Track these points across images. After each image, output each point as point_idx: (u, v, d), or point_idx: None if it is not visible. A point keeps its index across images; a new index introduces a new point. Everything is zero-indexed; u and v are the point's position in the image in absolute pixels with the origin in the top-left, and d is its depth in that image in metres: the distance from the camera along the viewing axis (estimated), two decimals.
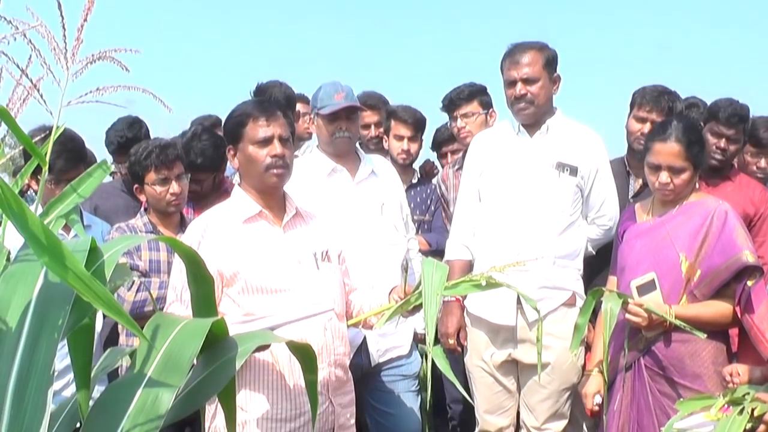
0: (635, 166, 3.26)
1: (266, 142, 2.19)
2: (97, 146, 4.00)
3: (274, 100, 3.50)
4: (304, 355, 1.35)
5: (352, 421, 2.35)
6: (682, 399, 2.43)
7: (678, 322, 2.45)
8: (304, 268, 2.21)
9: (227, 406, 1.34)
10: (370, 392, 2.99)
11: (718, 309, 2.52)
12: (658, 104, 3.26)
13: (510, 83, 2.93)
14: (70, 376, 2.64)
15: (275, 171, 2.19)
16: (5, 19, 1.18)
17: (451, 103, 3.65)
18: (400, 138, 3.92)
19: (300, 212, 2.30)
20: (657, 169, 2.58)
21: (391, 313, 2.08)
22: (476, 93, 3.64)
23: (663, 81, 3.38)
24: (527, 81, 2.89)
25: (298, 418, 2.13)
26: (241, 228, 2.19)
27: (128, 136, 3.61)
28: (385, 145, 3.99)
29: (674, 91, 3.35)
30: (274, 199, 2.26)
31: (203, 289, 1.28)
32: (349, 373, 2.35)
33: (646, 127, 3.21)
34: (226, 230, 2.18)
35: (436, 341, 3.28)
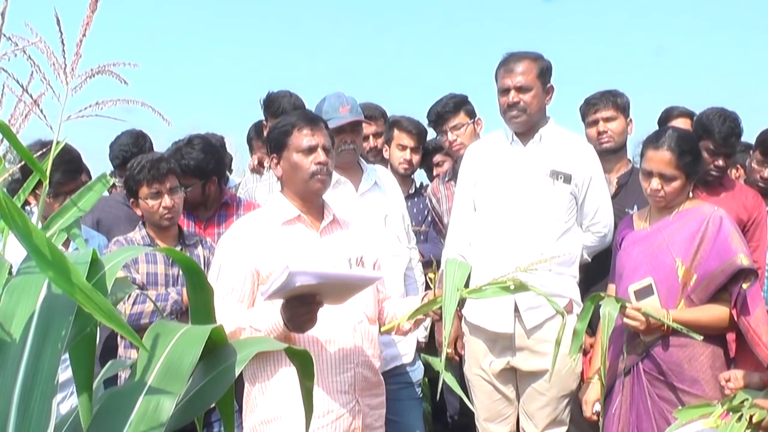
0: (606, 168, 3.24)
1: (311, 150, 2.28)
2: (97, 160, 4.01)
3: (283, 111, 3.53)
4: (302, 361, 1.36)
5: (380, 422, 2.38)
6: (680, 407, 2.43)
7: (676, 326, 2.46)
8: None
9: (225, 413, 1.35)
10: None
11: (715, 313, 2.53)
12: (602, 101, 3.34)
13: (503, 91, 2.95)
14: (68, 391, 2.64)
15: (320, 177, 2.29)
16: (6, 36, 1.20)
17: (439, 118, 3.64)
18: (403, 148, 3.92)
19: (337, 219, 2.38)
20: (649, 175, 2.61)
21: (414, 311, 2.16)
22: (461, 103, 3.64)
23: (661, 84, 3.43)
24: (520, 89, 2.91)
25: (326, 415, 2.19)
26: (280, 229, 2.27)
27: (133, 150, 3.60)
28: (386, 155, 4.00)
29: (615, 89, 3.40)
30: (314, 206, 2.36)
31: (202, 298, 1.30)
32: (380, 376, 2.39)
33: (602, 125, 3.29)
34: (265, 231, 2.27)
35: (435, 351, 3.29)
